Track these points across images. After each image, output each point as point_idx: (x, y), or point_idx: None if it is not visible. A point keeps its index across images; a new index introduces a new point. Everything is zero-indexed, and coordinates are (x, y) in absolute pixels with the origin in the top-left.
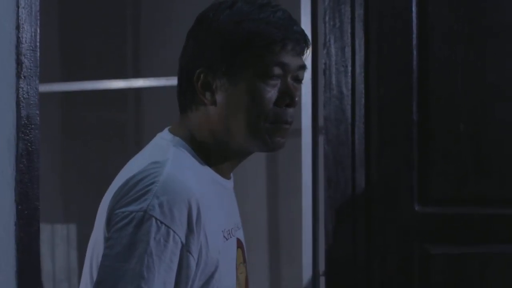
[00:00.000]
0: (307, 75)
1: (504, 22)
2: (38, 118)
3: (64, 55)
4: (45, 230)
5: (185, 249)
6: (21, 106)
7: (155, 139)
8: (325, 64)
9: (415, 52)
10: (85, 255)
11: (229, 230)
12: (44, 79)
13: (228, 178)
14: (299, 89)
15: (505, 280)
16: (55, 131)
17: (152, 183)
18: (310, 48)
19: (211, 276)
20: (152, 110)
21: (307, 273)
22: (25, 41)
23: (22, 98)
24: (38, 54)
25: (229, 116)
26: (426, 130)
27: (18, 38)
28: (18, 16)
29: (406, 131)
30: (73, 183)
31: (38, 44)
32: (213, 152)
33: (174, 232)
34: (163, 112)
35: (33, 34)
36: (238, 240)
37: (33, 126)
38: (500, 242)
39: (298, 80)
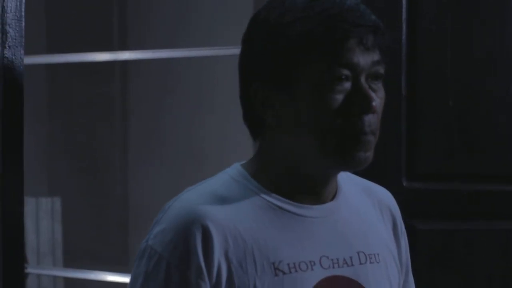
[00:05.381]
0: None
1: None
2: (23, 88)
3: (50, 27)
4: (29, 204)
5: (192, 275)
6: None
7: None
8: None
9: (404, 26)
10: (69, 228)
11: (295, 263)
12: (29, 51)
13: (311, 203)
14: (380, 89)
15: (492, 257)
16: (40, 104)
17: (161, 212)
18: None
19: None
20: (138, 83)
21: None
22: (10, 10)
23: (7, 68)
24: (24, 23)
25: (295, 136)
26: (415, 105)
27: (3, 7)
28: None
29: (395, 106)
30: (58, 156)
31: (23, 13)
32: (283, 180)
33: (168, 260)
34: (150, 85)
35: (18, 3)
36: (332, 278)
37: (17, 96)
38: (488, 218)
39: (376, 78)
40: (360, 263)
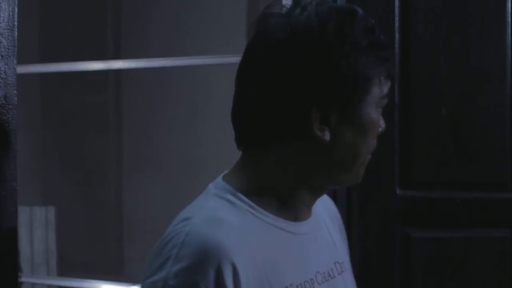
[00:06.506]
0: None
1: (487, 6)
2: (15, 98)
3: (43, 36)
4: (23, 213)
5: None
6: None
7: (208, 187)
8: None
9: (397, 35)
10: (63, 238)
11: (301, 284)
12: (22, 61)
13: (301, 219)
14: None
15: (485, 264)
16: (33, 113)
17: (174, 247)
18: None
19: None
20: (132, 92)
21: None
22: (3, 20)
23: None
24: (16, 33)
25: (344, 153)
26: (408, 113)
27: None
28: None
29: (388, 114)
30: (52, 165)
31: (16, 23)
32: (283, 196)
33: None
34: (143, 94)
35: (10, 13)
36: None
37: (10, 106)
38: (481, 226)
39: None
40: (338, 273)
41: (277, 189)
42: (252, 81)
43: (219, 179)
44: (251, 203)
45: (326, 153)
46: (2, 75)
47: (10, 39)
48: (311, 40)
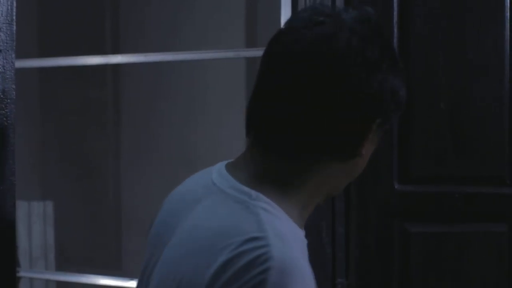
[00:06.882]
0: None
1: (486, 1)
2: (14, 92)
3: (42, 31)
4: (21, 207)
5: None
6: None
7: (224, 189)
8: None
9: (395, 30)
10: (62, 232)
11: None
12: (21, 55)
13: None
14: None
15: (485, 259)
16: (32, 107)
17: (265, 271)
18: None
19: None
20: (130, 86)
21: None
22: (1, 14)
23: None
24: (15, 27)
25: (361, 166)
26: (407, 107)
27: None
28: None
29: None
30: (50, 160)
31: (14, 17)
32: (303, 204)
33: None
34: (142, 88)
35: (9, 7)
36: None
37: (8, 100)
38: (480, 220)
39: None
40: None
41: (296, 198)
42: (304, 100)
43: (229, 177)
44: (287, 216)
45: (350, 166)
46: (0, 70)
47: (8, 33)
48: (373, 61)
